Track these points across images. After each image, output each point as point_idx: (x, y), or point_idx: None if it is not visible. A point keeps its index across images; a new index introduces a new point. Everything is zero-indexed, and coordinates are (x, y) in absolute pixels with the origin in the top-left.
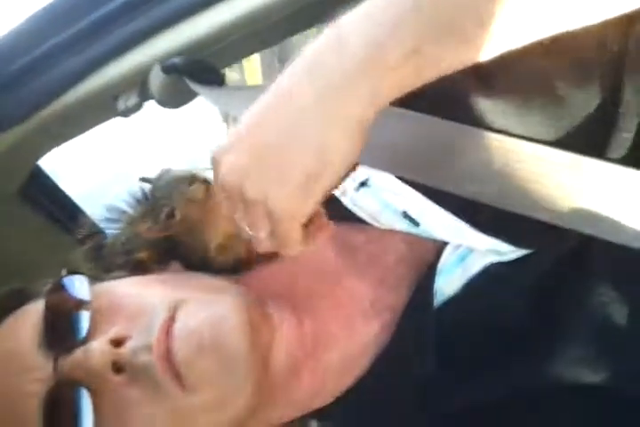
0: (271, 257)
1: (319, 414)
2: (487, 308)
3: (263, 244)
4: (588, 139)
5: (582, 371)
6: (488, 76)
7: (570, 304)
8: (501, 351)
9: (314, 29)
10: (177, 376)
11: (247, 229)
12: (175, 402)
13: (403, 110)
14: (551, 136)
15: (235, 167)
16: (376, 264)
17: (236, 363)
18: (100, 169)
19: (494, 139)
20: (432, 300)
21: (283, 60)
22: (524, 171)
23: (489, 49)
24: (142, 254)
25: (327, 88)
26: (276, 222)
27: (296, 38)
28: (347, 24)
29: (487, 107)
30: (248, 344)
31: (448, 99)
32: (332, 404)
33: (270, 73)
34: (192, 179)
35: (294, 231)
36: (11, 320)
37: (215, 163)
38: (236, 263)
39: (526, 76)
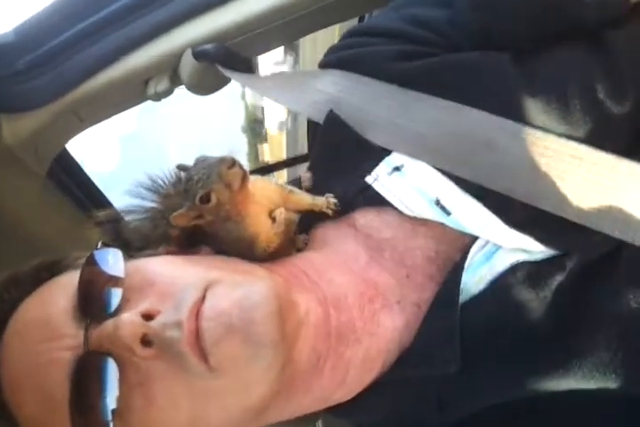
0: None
1: (336, 409)
2: (512, 307)
3: None
4: (626, 141)
5: (608, 377)
6: (532, 75)
7: (598, 308)
8: (524, 353)
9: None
10: (203, 355)
11: None
12: (198, 381)
13: (443, 101)
14: (588, 136)
15: None
16: (403, 261)
17: (263, 350)
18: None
19: (533, 135)
20: (458, 297)
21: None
22: (560, 169)
23: None
24: (173, 231)
25: None
26: None
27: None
28: None
29: (529, 103)
30: (277, 333)
31: (491, 93)
32: (350, 400)
33: None
34: (232, 162)
35: None
36: (44, 290)
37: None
38: (271, 255)
39: (569, 75)
